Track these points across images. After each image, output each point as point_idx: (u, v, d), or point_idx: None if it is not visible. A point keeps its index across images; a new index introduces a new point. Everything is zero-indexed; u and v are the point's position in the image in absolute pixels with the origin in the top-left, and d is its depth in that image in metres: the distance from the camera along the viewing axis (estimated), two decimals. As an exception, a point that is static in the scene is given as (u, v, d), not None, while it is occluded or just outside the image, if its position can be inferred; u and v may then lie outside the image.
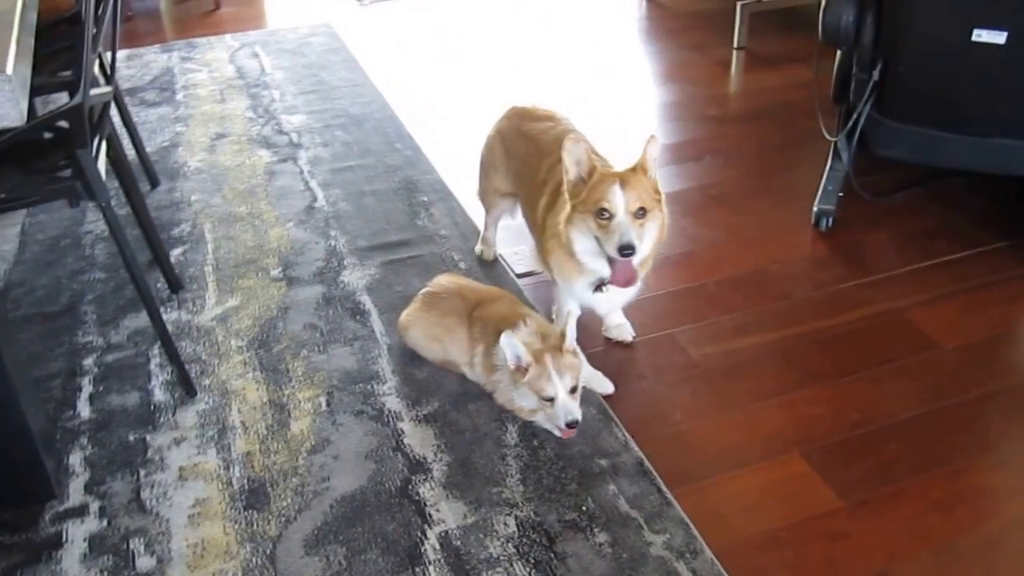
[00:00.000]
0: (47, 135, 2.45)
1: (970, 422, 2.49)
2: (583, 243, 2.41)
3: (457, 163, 3.81)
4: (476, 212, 3.40)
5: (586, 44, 5.29)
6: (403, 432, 2.39)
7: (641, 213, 2.33)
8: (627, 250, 2.29)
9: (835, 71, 3.48)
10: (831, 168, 3.42)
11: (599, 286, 2.48)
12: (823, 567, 2.08)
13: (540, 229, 2.65)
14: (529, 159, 2.79)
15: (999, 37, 2.85)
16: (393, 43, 5.26)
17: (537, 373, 2.29)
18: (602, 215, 2.31)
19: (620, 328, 2.79)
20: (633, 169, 2.38)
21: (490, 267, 3.09)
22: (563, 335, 2.36)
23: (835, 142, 3.40)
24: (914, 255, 3.19)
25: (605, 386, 2.56)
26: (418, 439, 2.36)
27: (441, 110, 4.38)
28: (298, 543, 2.07)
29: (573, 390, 2.31)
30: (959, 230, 3.35)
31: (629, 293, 2.56)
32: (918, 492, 2.27)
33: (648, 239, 2.40)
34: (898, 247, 3.26)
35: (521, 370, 2.31)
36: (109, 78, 2.73)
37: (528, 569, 2.00)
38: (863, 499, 2.24)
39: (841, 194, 3.39)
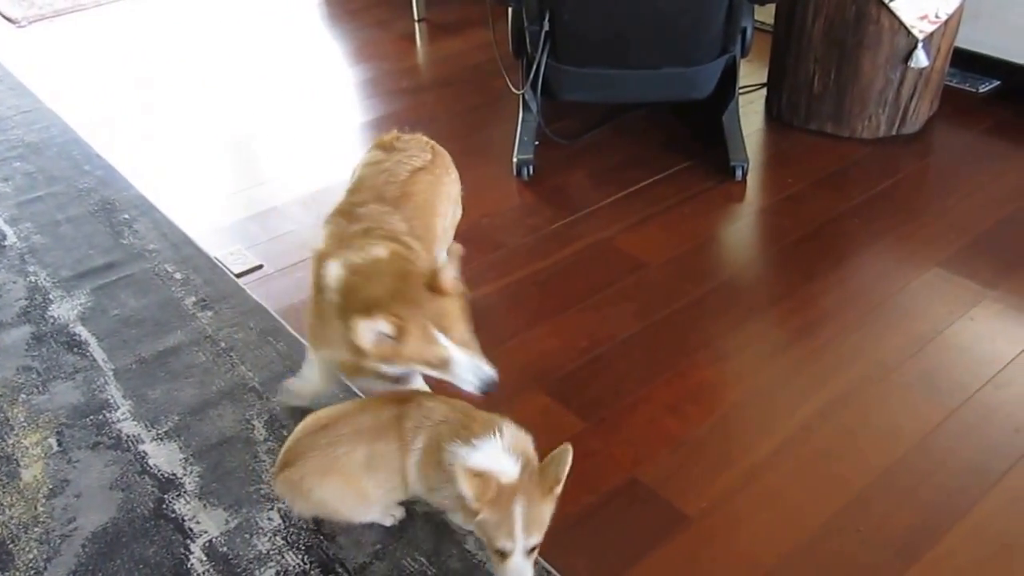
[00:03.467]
0: None
1: (684, 327, 2.72)
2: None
3: (154, 174, 3.68)
4: (184, 219, 3.32)
5: (270, 35, 5.20)
6: (146, 454, 2.30)
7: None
8: None
9: (510, 28, 3.63)
10: (523, 120, 3.57)
11: None
12: (578, 486, 2.17)
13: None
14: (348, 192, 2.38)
15: (648, -27, 3.08)
16: (61, 63, 4.94)
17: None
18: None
19: None
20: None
21: (209, 272, 3.01)
22: None
23: (522, 94, 3.54)
24: (612, 188, 3.41)
25: None
26: (164, 457, 2.29)
27: (127, 123, 4.18)
28: (54, 592, 1.97)
29: None
30: (647, 158, 3.61)
31: None
32: (650, 400, 2.46)
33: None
34: (596, 183, 3.46)
35: None
36: None
37: (300, 556, 1.99)
38: (602, 417, 2.40)
39: (537, 143, 3.55)
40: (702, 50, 3.31)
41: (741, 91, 3.64)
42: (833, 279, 2.90)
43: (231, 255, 3.11)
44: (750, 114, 3.89)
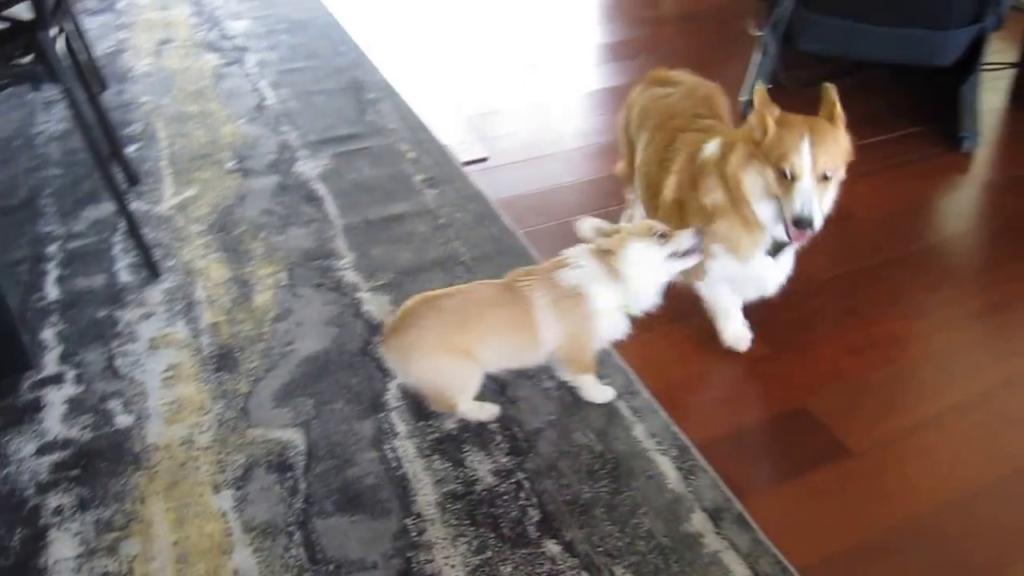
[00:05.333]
0: (2, 26, 2.52)
1: (881, 280, 2.72)
2: (759, 196, 2.12)
3: (401, 64, 3.95)
4: (422, 108, 3.56)
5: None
6: (361, 301, 2.55)
7: (828, 175, 2.04)
8: (804, 224, 2.02)
9: (761, -31, 3.65)
10: (757, 62, 3.58)
11: (776, 249, 2.22)
12: (753, 402, 2.30)
13: (671, 208, 2.33)
14: (643, 127, 2.50)
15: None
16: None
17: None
18: (783, 173, 2.02)
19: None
20: (828, 117, 2.07)
21: (439, 155, 3.23)
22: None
23: (761, 36, 3.56)
24: (834, 141, 3.39)
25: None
26: (376, 306, 2.52)
27: (381, 14, 4.51)
28: (268, 397, 2.23)
29: None
30: (875, 118, 3.56)
31: (786, 271, 2.35)
32: (834, 339, 2.49)
33: (828, 203, 2.12)
34: (819, 133, 3.45)
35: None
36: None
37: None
38: (786, 346, 2.46)
39: (769, 86, 3.56)
40: (954, 14, 3.22)
41: (988, 67, 3.52)
42: (1045, 262, 2.80)
43: (460, 145, 3.34)
44: (992, 92, 3.74)
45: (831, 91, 2.09)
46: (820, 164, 2.00)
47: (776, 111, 2.09)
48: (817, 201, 2.01)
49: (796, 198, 2.01)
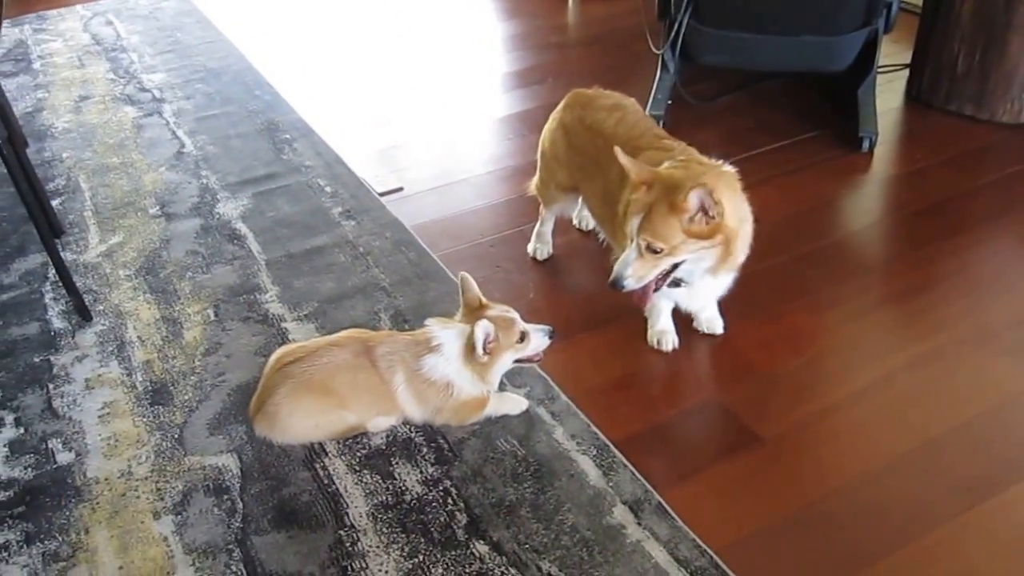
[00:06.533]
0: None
1: (787, 277, 2.94)
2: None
3: (315, 103, 4.19)
4: (338, 143, 3.79)
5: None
6: (288, 330, 2.74)
7: (656, 251, 2.27)
8: (612, 284, 2.33)
9: (658, -10, 3.89)
10: (659, 79, 3.84)
11: (675, 282, 2.43)
12: (667, 399, 2.52)
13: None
14: (596, 154, 2.69)
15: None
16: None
17: (505, 328, 2.30)
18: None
19: (711, 321, 2.74)
20: (670, 203, 2.23)
21: (355, 188, 3.44)
22: (478, 300, 2.34)
23: (661, 54, 3.81)
24: (736, 149, 3.62)
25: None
26: (302, 334, 2.72)
27: (295, 57, 4.77)
28: (202, 427, 2.41)
29: None
30: (776, 125, 3.84)
31: (717, 291, 2.58)
32: (743, 335, 2.71)
33: (657, 274, 2.33)
34: (721, 143, 3.68)
35: (493, 345, 2.28)
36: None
37: (409, 426, 2.39)
38: (693, 344, 2.68)
39: (670, 102, 3.82)
40: (844, 19, 3.47)
41: (882, 70, 3.78)
42: (946, 249, 3.03)
43: (375, 177, 3.57)
44: (888, 92, 4.03)
45: (691, 191, 2.19)
46: (642, 239, 2.26)
47: (650, 175, 2.29)
48: (632, 268, 2.29)
49: (620, 259, 2.32)
